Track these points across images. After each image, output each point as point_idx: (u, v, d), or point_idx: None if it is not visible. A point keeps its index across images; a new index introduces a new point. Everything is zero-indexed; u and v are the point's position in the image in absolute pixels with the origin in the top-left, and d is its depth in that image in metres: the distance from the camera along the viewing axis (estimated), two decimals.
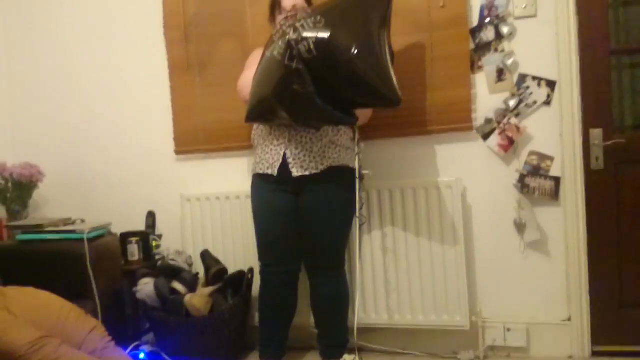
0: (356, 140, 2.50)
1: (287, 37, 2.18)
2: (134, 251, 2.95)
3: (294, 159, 2.48)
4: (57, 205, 3.38)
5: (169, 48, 3.14)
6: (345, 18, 2.20)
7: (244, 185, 2.84)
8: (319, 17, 2.19)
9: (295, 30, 2.19)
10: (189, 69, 3.10)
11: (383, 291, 2.79)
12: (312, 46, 2.14)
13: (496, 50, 2.67)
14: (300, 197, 2.52)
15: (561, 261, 2.68)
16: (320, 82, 2.18)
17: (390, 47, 2.32)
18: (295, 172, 2.47)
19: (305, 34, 2.15)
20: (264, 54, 2.37)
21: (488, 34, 2.68)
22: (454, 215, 2.67)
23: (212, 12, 3.05)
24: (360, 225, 2.63)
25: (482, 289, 2.78)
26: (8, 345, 1.87)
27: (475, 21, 2.69)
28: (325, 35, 2.14)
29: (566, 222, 2.65)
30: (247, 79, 2.51)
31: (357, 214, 2.54)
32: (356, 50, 2.11)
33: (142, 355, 2.71)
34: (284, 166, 2.49)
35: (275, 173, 2.50)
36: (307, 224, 2.54)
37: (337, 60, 2.13)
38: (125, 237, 2.97)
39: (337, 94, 2.21)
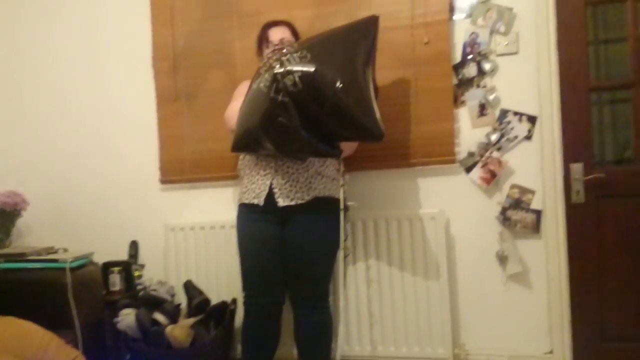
0: (341, 172, 2.52)
1: (274, 70, 2.22)
2: (115, 281, 2.92)
3: (280, 189, 2.49)
4: (40, 233, 3.34)
5: (157, 79, 3.16)
6: (330, 53, 2.25)
7: (229, 215, 2.85)
8: (304, 52, 2.23)
9: (282, 63, 2.22)
10: (177, 99, 3.13)
11: (367, 322, 2.79)
12: (297, 79, 2.17)
13: (478, 85, 2.73)
14: (285, 227, 2.52)
15: (543, 293, 2.70)
16: (306, 115, 2.21)
17: (374, 83, 2.36)
18: (281, 202, 2.48)
19: (291, 68, 2.19)
20: (250, 86, 2.40)
21: (470, 70, 2.74)
22: (437, 247, 2.69)
23: (201, 45, 3.09)
24: (345, 257, 2.63)
25: (465, 320, 2.79)
26: None
27: (458, 57, 2.76)
28: (310, 69, 2.18)
29: (547, 254, 2.68)
30: (234, 110, 2.54)
31: (342, 245, 2.55)
32: (340, 85, 2.15)
33: None
34: (270, 196, 2.50)
35: (262, 203, 2.51)
36: (292, 255, 2.53)
37: (322, 93, 2.16)
38: (107, 266, 2.94)
39: (322, 126, 2.24)
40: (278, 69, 2.20)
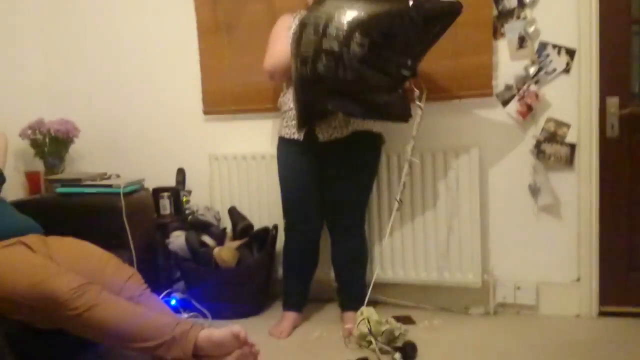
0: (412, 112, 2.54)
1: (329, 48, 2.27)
2: (165, 205, 3.06)
3: (320, 125, 2.55)
4: (91, 160, 3.50)
5: (197, 10, 3.18)
6: None
7: (270, 146, 2.94)
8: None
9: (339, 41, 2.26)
10: (218, 31, 3.15)
11: (400, 249, 2.90)
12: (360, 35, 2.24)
13: (518, 17, 2.70)
14: (324, 159, 2.62)
15: (573, 224, 2.75)
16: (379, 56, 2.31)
17: None
18: (321, 137, 2.56)
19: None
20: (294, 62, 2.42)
21: (511, 2, 2.69)
22: (470, 179, 2.75)
23: None
24: (397, 209, 2.70)
25: (495, 249, 2.87)
26: (53, 292, 1.93)
27: None
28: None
29: (579, 187, 2.72)
30: (278, 53, 2.58)
31: (398, 198, 2.64)
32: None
33: (173, 302, 2.84)
34: (310, 131, 2.58)
35: (302, 138, 2.59)
36: (330, 186, 2.64)
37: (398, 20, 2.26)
38: (157, 192, 3.07)
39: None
40: (335, 47, 2.26)
